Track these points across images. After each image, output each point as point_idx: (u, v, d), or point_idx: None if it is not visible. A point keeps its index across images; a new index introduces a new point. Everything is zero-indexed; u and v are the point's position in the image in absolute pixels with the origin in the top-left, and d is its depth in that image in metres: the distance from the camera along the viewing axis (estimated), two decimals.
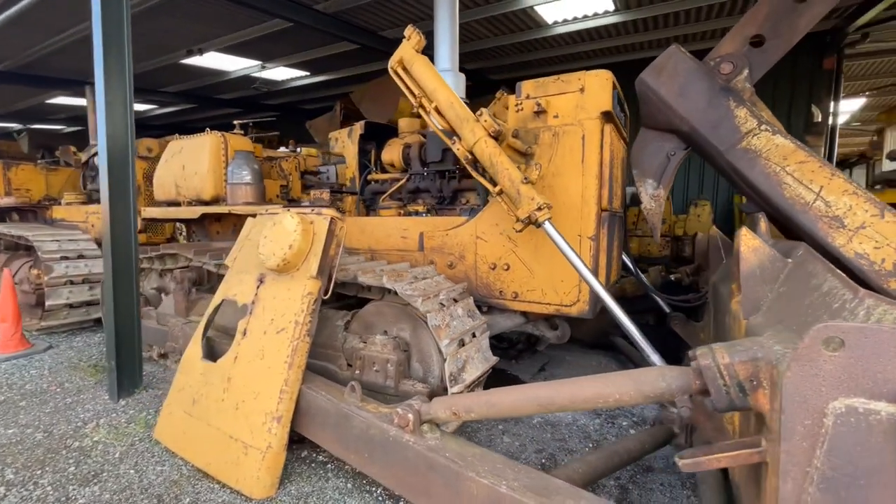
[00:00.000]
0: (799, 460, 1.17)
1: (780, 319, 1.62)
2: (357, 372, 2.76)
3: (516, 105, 2.89)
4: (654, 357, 2.33)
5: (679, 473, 2.61)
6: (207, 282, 3.92)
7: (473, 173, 2.83)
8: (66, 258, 4.95)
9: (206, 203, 4.05)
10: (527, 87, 2.86)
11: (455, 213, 3.69)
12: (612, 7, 6.21)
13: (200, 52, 7.50)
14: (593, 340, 4.81)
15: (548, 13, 6.43)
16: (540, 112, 2.79)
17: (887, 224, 2.25)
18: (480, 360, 2.68)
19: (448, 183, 3.61)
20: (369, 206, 4.11)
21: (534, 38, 7.46)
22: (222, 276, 3.83)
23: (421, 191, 3.79)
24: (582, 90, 2.69)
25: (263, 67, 8.51)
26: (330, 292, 2.58)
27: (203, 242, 4.48)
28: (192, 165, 4.09)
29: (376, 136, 4.31)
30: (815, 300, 1.50)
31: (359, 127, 4.05)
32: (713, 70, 2.84)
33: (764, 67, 2.82)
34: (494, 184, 2.67)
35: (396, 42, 7.39)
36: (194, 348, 2.88)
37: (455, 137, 2.77)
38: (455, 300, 2.78)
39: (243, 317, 2.70)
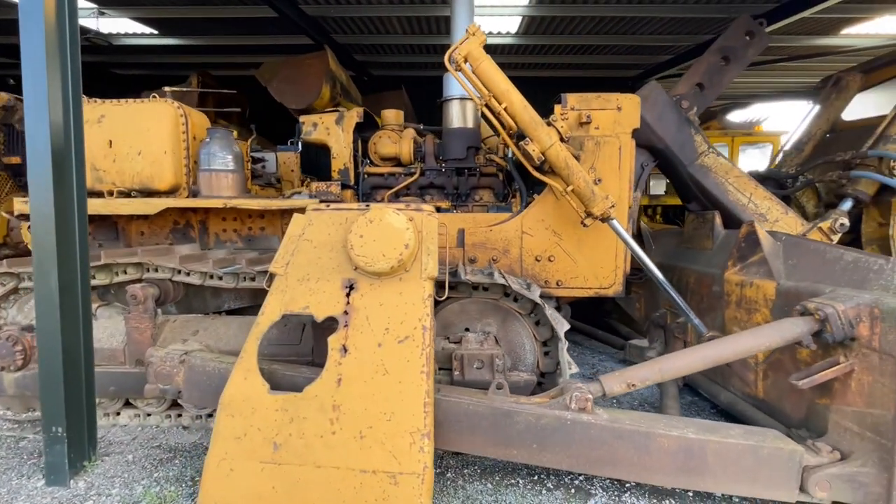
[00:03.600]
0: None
1: (819, 280, 2.48)
2: (456, 373, 2.67)
3: (562, 114, 3.24)
4: (697, 320, 3.06)
5: (653, 403, 3.49)
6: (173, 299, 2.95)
7: (535, 172, 3.06)
8: None
9: (155, 194, 2.98)
10: (571, 99, 3.24)
11: (468, 210, 3.79)
12: (514, 30, 7.07)
13: None
14: None
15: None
16: (585, 123, 3.21)
17: (790, 219, 3.54)
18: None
19: (467, 180, 3.69)
20: (366, 201, 3.79)
21: (435, 43, 7.76)
22: (208, 287, 2.98)
23: (435, 186, 3.74)
24: (619, 109, 3.23)
25: (101, 14, 6.20)
26: (446, 293, 2.44)
27: (115, 249, 3.29)
28: (131, 143, 2.90)
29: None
30: (848, 266, 2.39)
31: (355, 114, 3.67)
32: (678, 104, 3.80)
33: (704, 106, 3.94)
34: (565, 183, 2.97)
35: (314, 20, 6.59)
36: (250, 381, 2.27)
37: (527, 139, 2.94)
38: None
39: (336, 332, 2.29)
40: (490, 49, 8.10)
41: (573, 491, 2.37)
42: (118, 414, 2.96)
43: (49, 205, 2.19)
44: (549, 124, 2.97)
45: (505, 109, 2.92)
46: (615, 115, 3.25)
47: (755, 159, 7.83)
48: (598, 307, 5.56)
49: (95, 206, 2.89)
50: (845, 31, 6.91)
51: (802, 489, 2.10)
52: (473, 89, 3.03)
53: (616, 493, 2.35)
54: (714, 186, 3.72)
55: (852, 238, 3.91)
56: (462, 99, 3.63)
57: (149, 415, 2.96)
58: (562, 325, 2.63)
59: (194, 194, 3.10)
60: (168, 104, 2.99)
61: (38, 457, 2.58)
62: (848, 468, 2.07)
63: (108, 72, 9.49)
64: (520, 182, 3.42)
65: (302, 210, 2.65)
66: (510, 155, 3.43)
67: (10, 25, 7.11)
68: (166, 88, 3.32)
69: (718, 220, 3.63)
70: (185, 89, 3.43)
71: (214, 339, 2.83)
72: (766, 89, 11.42)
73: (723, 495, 2.33)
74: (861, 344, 2.12)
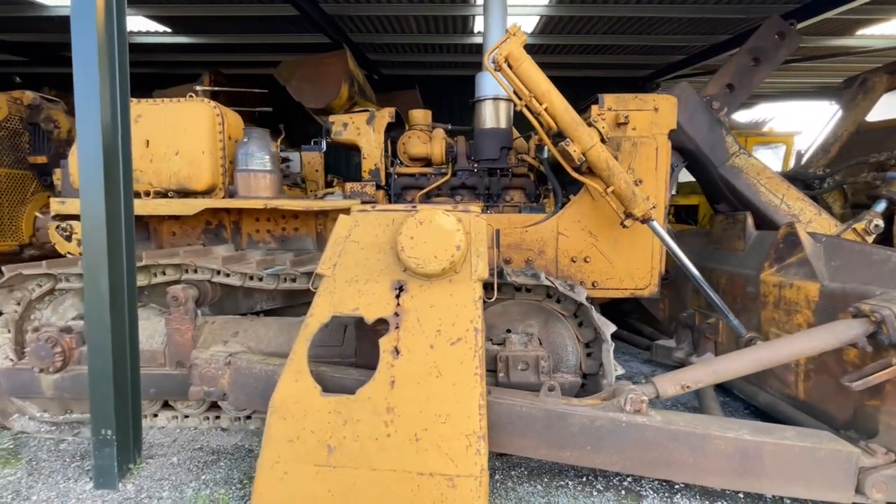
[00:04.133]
0: None
1: (867, 282, 2.48)
2: (501, 374, 2.66)
3: (599, 114, 3.23)
4: (736, 321, 3.06)
5: (685, 403, 3.47)
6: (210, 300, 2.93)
7: (573, 173, 3.05)
8: None
9: (192, 194, 2.96)
10: (609, 100, 3.23)
11: (499, 211, 3.78)
12: (530, 30, 7.06)
13: None
14: None
15: (480, 23, 6.83)
16: (622, 124, 3.20)
17: (823, 220, 3.54)
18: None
19: (499, 180, 3.68)
20: (397, 201, 3.78)
21: (449, 42, 7.74)
22: (240, 288, 2.95)
23: (466, 187, 3.73)
24: (656, 109, 3.22)
25: None
26: (495, 295, 2.44)
27: (148, 249, 3.27)
28: (168, 143, 2.88)
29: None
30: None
31: (387, 114, 3.65)
32: (708, 104, 3.80)
33: (734, 106, 3.93)
34: (605, 184, 2.96)
35: (331, 18, 6.56)
36: (301, 384, 2.25)
37: (567, 139, 2.93)
38: None
39: (387, 334, 2.28)
40: None
41: (623, 493, 2.37)
42: (156, 416, 2.94)
43: (100, 207, 2.17)
44: (590, 125, 2.96)
45: (546, 110, 2.91)
46: (652, 116, 3.23)
47: (768, 160, 7.84)
48: (616, 307, 5.56)
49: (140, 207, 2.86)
50: (861, 31, 6.92)
51: (858, 490, 2.10)
52: (509, 89, 3.02)
53: (667, 494, 2.35)
54: (746, 187, 3.71)
55: (881, 239, 3.92)
56: (496, 99, 3.62)
57: (186, 416, 2.94)
58: (608, 328, 2.62)
59: (231, 195, 3.08)
60: (205, 104, 2.96)
61: (80, 459, 2.57)
62: None
63: None
64: (554, 183, 3.41)
65: (345, 211, 2.64)
66: (546, 155, 3.42)
67: (19, 23, 7.06)
68: (198, 87, 3.29)
69: (750, 220, 3.62)
70: (216, 89, 3.39)
71: (255, 340, 2.81)
72: (774, 90, 11.45)
73: (773, 497, 2.33)
74: None
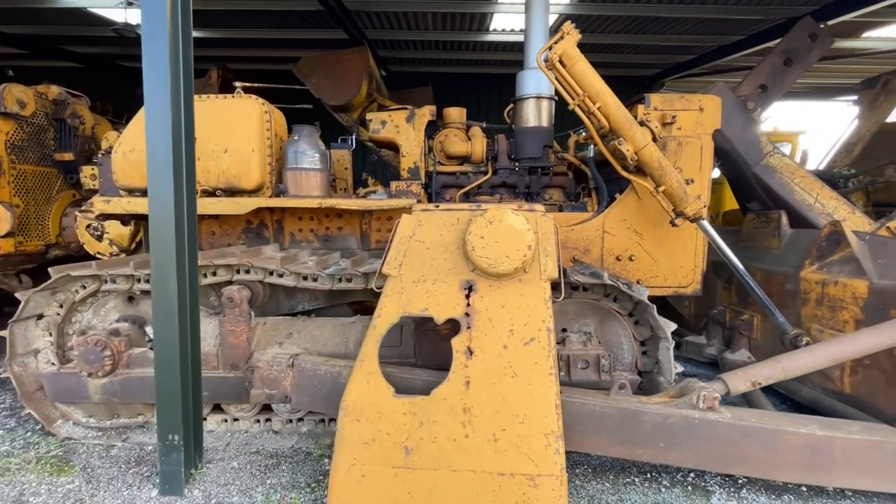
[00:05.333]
0: None
1: None
2: (562, 373, 2.67)
3: (645, 114, 3.25)
4: (781, 318, 3.11)
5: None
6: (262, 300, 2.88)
7: (623, 172, 3.07)
8: None
9: (239, 193, 2.89)
10: (655, 100, 3.25)
11: None
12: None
13: None
14: None
15: (498, 21, 6.82)
16: (668, 123, 3.23)
17: (857, 218, 3.62)
18: None
19: (539, 179, 3.68)
20: (436, 200, 3.76)
21: (461, 40, 7.71)
22: (287, 288, 2.91)
23: (506, 185, 3.72)
24: (701, 109, 3.26)
25: (129, 4, 5.94)
26: (563, 294, 2.44)
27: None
28: (216, 140, 2.80)
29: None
30: None
31: (427, 112, 3.62)
32: (743, 105, 3.85)
33: (767, 106, 3.99)
34: (656, 184, 2.98)
35: (351, 14, 6.46)
36: (373, 385, 2.23)
37: (620, 139, 2.94)
38: None
39: (459, 334, 2.26)
40: (515, 46, 8.10)
41: (690, 488, 2.40)
42: (204, 419, 2.88)
43: (169, 205, 2.12)
44: (641, 124, 2.98)
45: (599, 109, 2.91)
46: (697, 116, 3.27)
47: None
48: None
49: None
50: (867, 34, 7.07)
51: None
52: (551, 86, 3.01)
53: (732, 489, 2.39)
54: (780, 186, 3.78)
55: None
56: (538, 97, 3.61)
57: (237, 420, 2.89)
58: (668, 326, 2.65)
59: (278, 193, 3.02)
60: (254, 101, 2.90)
61: (136, 465, 2.51)
62: None
63: (113, 63, 9.19)
64: (600, 181, 3.43)
65: (404, 210, 2.61)
66: (591, 154, 3.44)
67: (18, 14, 6.81)
68: (237, 84, 3.21)
69: (785, 219, 3.69)
70: (258, 86, 3.30)
71: (311, 341, 2.77)
72: None
73: (834, 489, 2.38)
74: None
